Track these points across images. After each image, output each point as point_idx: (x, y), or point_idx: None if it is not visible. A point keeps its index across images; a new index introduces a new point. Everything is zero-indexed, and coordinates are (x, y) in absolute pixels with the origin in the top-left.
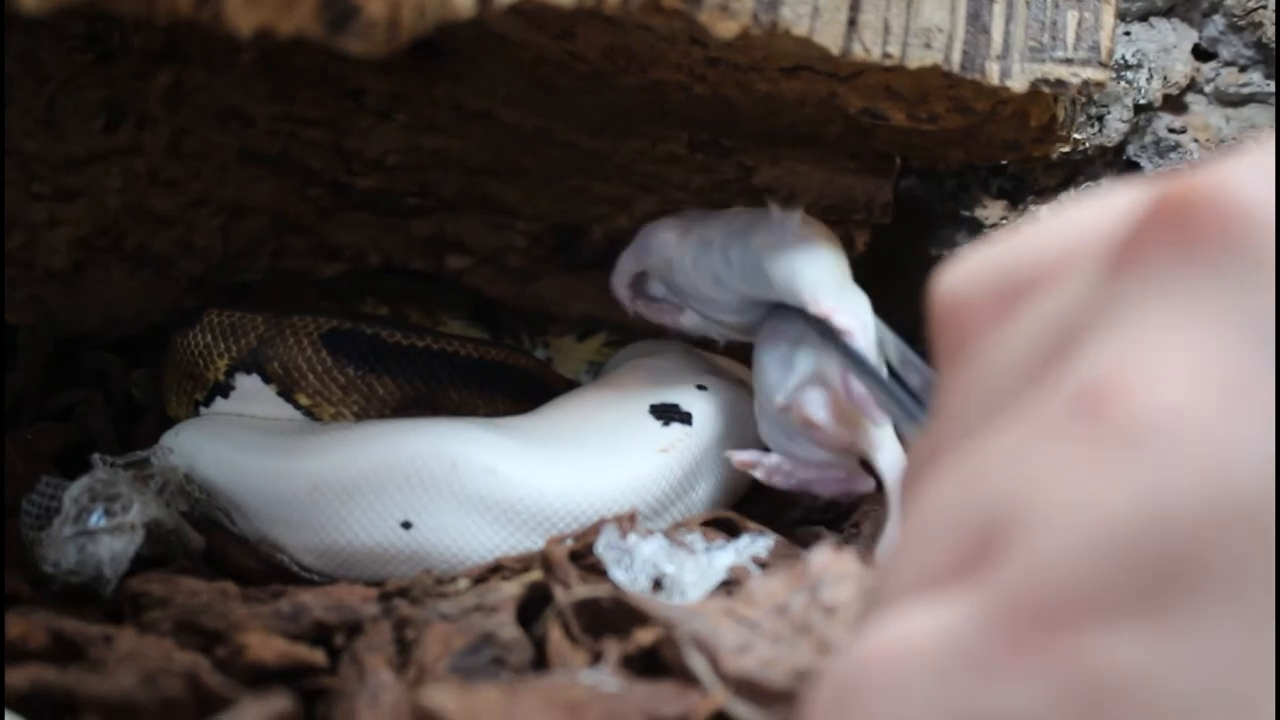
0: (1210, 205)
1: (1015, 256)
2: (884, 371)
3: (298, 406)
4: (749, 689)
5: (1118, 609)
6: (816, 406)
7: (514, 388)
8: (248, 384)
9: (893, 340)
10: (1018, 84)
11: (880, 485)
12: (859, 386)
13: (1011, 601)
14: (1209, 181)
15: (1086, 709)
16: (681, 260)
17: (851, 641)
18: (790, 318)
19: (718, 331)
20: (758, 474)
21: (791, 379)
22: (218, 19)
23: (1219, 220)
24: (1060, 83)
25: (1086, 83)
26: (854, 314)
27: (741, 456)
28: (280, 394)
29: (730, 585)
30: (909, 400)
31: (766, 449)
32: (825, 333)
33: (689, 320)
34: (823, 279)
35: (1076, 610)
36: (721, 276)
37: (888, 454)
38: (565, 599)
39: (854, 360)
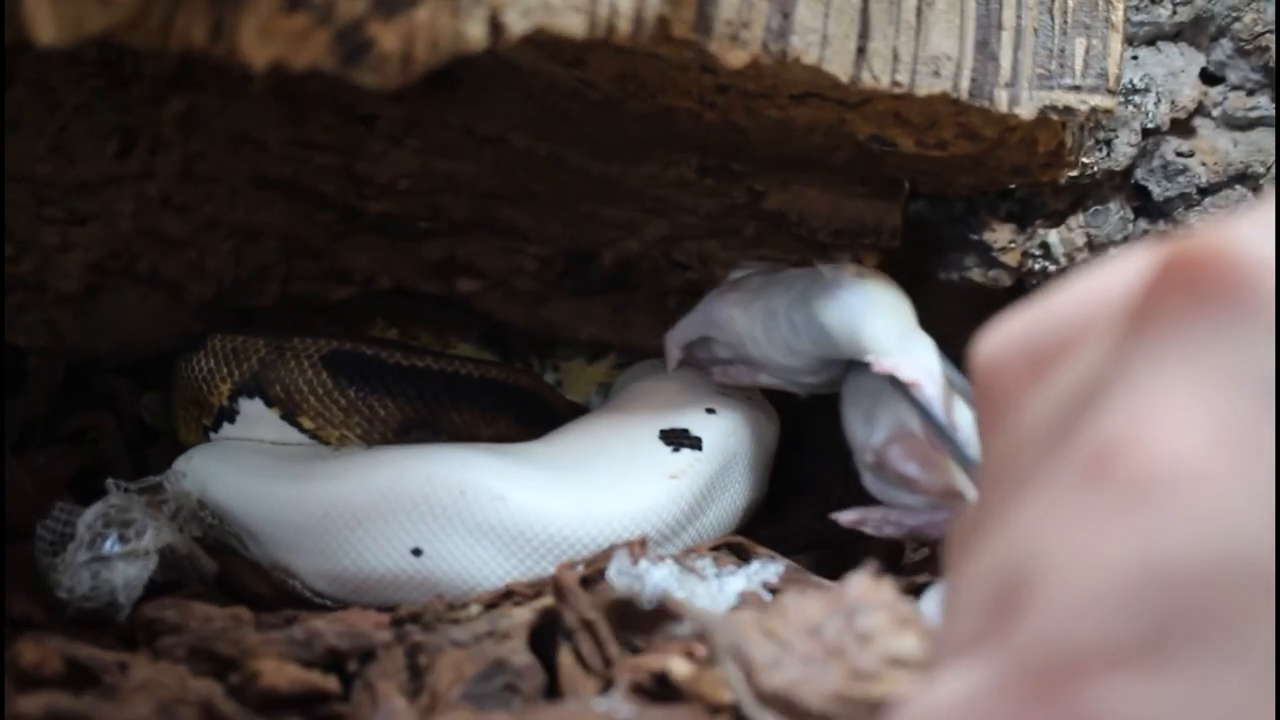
0: (1214, 265)
1: (1044, 322)
2: (960, 417)
3: (302, 430)
4: (783, 706)
5: (1122, 660)
6: (902, 460)
7: (517, 408)
8: (251, 408)
9: (960, 379)
10: (1026, 111)
11: None
12: (933, 433)
13: (1022, 660)
14: (1213, 241)
15: None
16: (751, 333)
17: (911, 697)
18: (867, 372)
19: (799, 389)
20: (868, 529)
21: (876, 435)
22: (232, 52)
23: (1222, 280)
24: (1068, 110)
25: (1094, 110)
26: (918, 364)
27: (848, 516)
28: (283, 417)
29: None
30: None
31: (872, 499)
32: (897, 385)
33: (765, 379)
34: (882, 333)
35: (1082, 664)
36: (792, 344)
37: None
38: (598, 599)
39: (921, 411)
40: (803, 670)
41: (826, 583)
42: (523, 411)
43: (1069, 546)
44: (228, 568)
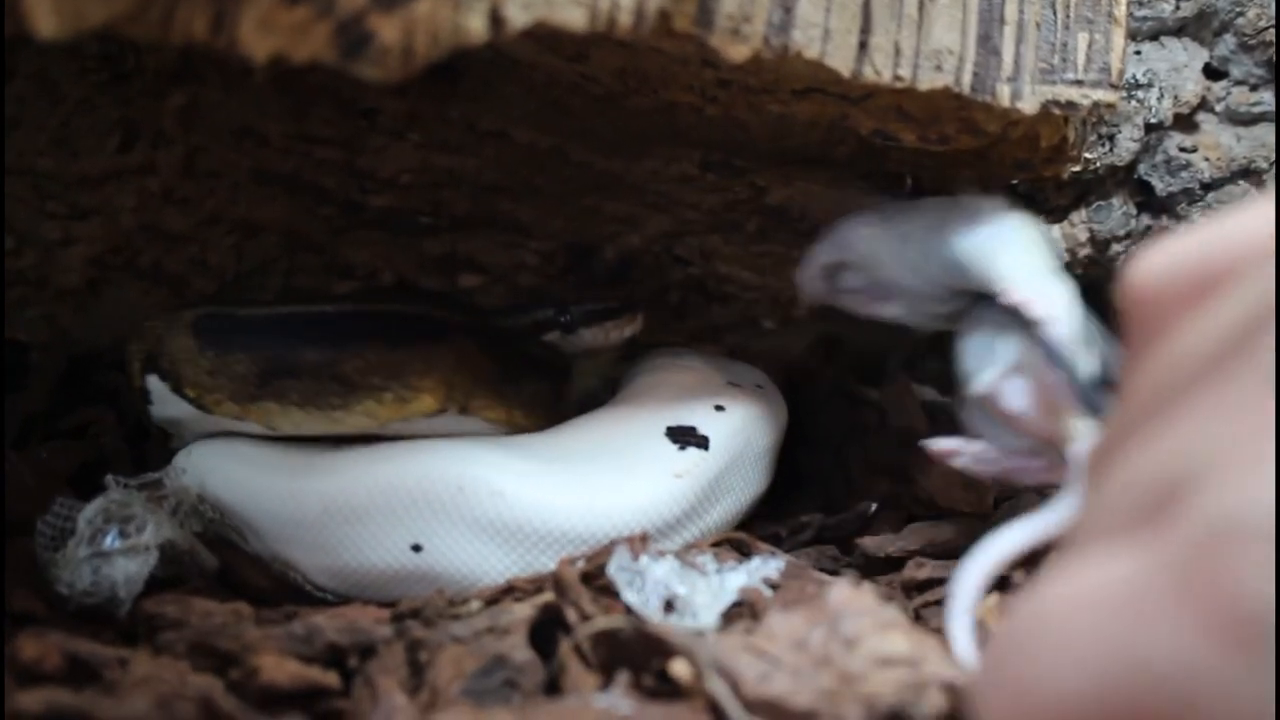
0: None
1: (1206, 249)
2: (1088, 362)
3: (188, 400)
4: (772, 711)
5: None
6: (1015, 396)
7: (388, 335)
8: (155, 385)
9: (1098, 331)
10: (1028, 105)
11: None
12: (1056, 375)
13: (1181, 553)
14: None
15: (1236, 645)
16: (880, 255)
17: (1034, 586)
18: (994, 305)
19: (924, 319)
20: (959, 461)
21: (990, 368)
22: (233, 45)
23: None
24: (1071, 104)
25: (1097, 104)
26: (1052, 302)
27: (942, 445)
28: (173, 390)
29: (742, 606)
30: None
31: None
32: (1024, 321)
33: (892, 309)
34: (1019, 267)
35: (1241, 560)
36: (921, 270)
37: (1082, 445)
38: (584, 631)
39: (1049, 350)
40: (793, 681)
41: (827, 578)
42: (399, 338)
43: (1240, 453)
44: (228, 562)
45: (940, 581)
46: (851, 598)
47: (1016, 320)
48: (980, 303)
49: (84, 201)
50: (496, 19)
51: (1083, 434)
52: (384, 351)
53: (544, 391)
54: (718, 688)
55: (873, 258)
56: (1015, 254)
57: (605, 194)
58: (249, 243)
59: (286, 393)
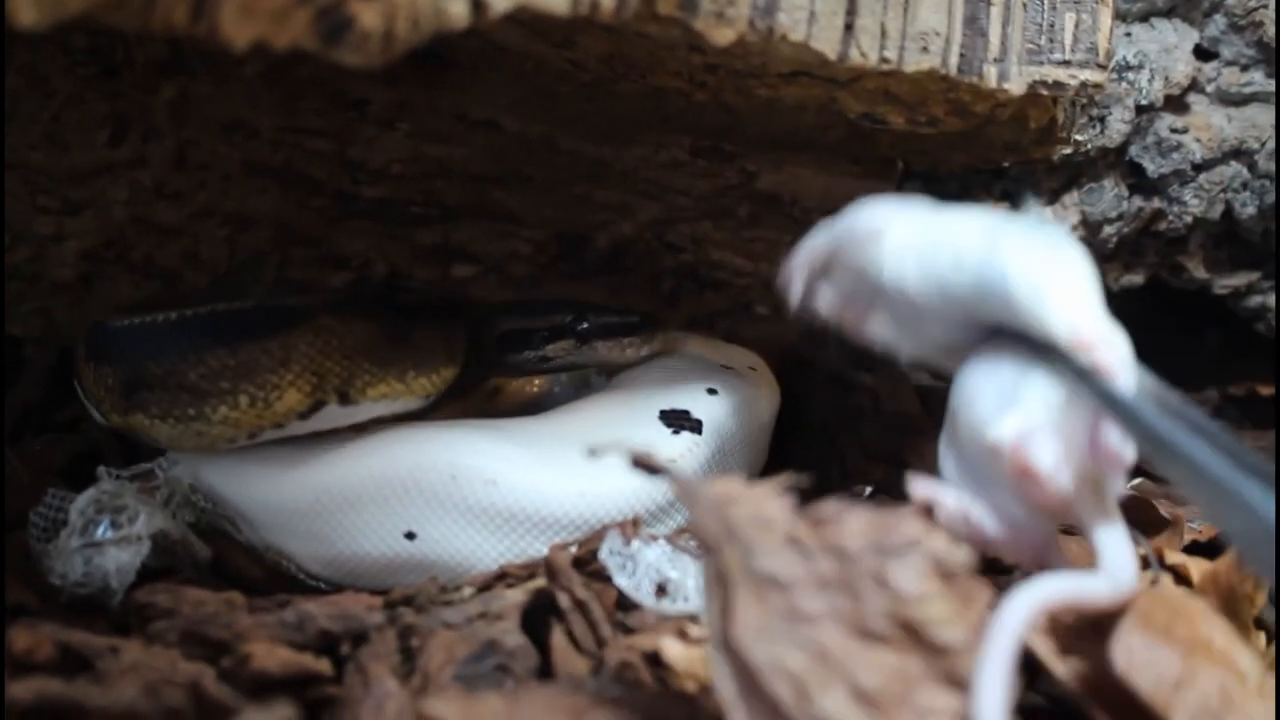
0: None
1: None
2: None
3: (93, 407)
4: (739, 663)
5: None
6: (1044, 453)
7: (228, 335)
8: (79, 390)
9: (1151, 383)
10: (1015, 86)
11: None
12: (1113, 439)
13: None
14: None
15: None
16: (899, 256)
17: None
18: (1018, 343)
19: (909, 348)
20: (940, 515)
21: (1012, 417)
22: (213, 32)
23: None
24: (1058, 85)
25: (1085, 84)
26: (1117, 351)
27: (924, 490)
28: (85, 397)
29: None
30: (1210, 456)
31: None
32: (1076, 370)
33: (875, 328)
34: (1081, 305)
35: None
36: (948, 284)
37: (1116, 542)
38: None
39: (1119, 408)
40: (802, 600)
41: None
42: (236, 333)
43: None
44: (221, 552)
45: None
46: (921, 531)
47: (1050, 364)
48: (996, 337)
49: (75, 195)
50: (477, 4)
51: (1113, 524)
52: (225, 354)
53: (434, 337)
54: (712, 615)
55: (887, 256)
56: (1076, 290)
57: (596, 182)
58: (241, 235)
59: (147, 405)
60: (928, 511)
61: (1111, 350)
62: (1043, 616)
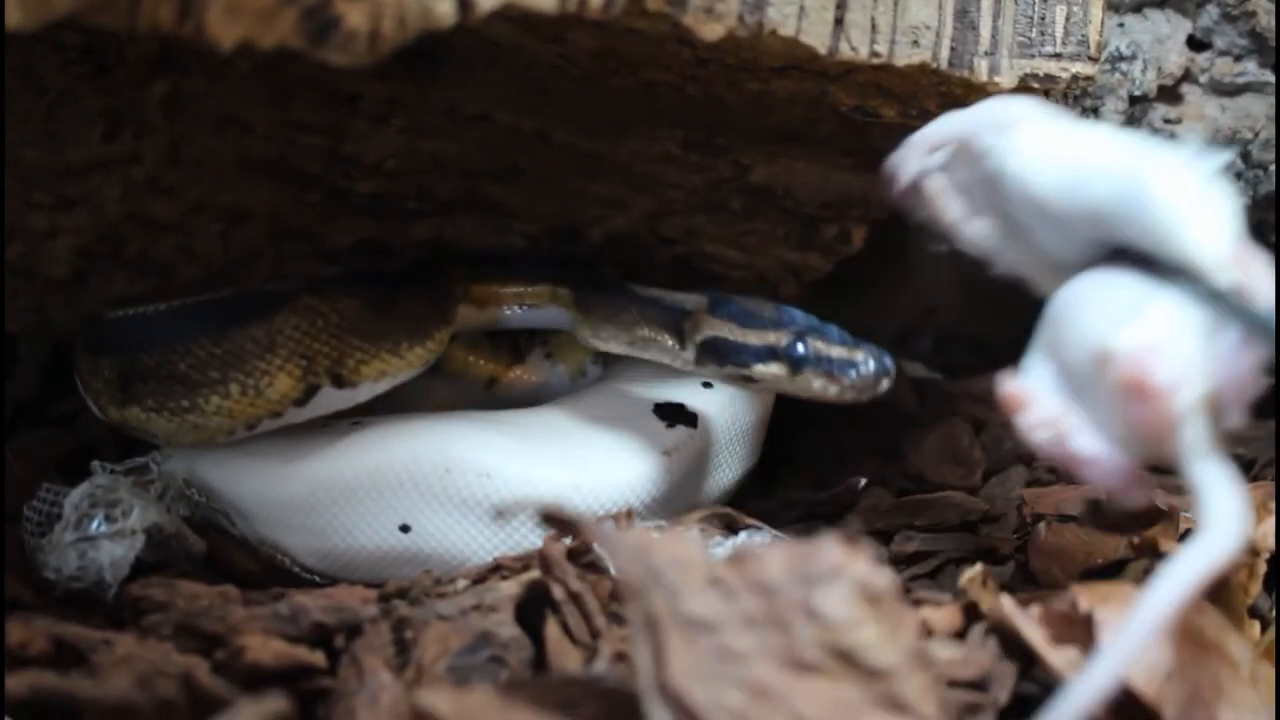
0: None
1: None
2: None
3: (91, 401)
4: (676, 704)
5: None
6: (1164, 366)
7: (212, 324)
8: (79, 382)
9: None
10: (1006, 80)
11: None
12: (1247, 365)
13: None
14: None
15: None
16: (1033, 150)
17: None
18: (1139, 267)
19: (1009, 258)
20: (1025, 417)
21: (1134, 327)
22: (199, 32)
23: None
24: (1050, 78)
25: (1075, 77)
26: (1265, 274)
27: (1015, 387)
28: (84, 390)
29: None
30: None
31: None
32: (1213, 292)
33: (975, 229)
34: (1228, 230)
35: None
36: (1082, 189)
37: (1221, 484)
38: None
39: (1261, 334)
40: (732, 639)
41: None
42: (221, 322)
43: None
44: (216, 546)
45: (928, 555)
46: (843, 558)
47: (1182, 286)
48: (1116, 258)
49: (69, 192)
50: (464, 2)
51: (1215, 472)
52: (209, 342)
53: (421, 308)
54: (641, 657)
55: (1018, 154)
56: (1223, 217)
57: (589, 175)
58: (236, 230)
59: (143, 398)
60: (1012, 407)
61: (1260, 271)
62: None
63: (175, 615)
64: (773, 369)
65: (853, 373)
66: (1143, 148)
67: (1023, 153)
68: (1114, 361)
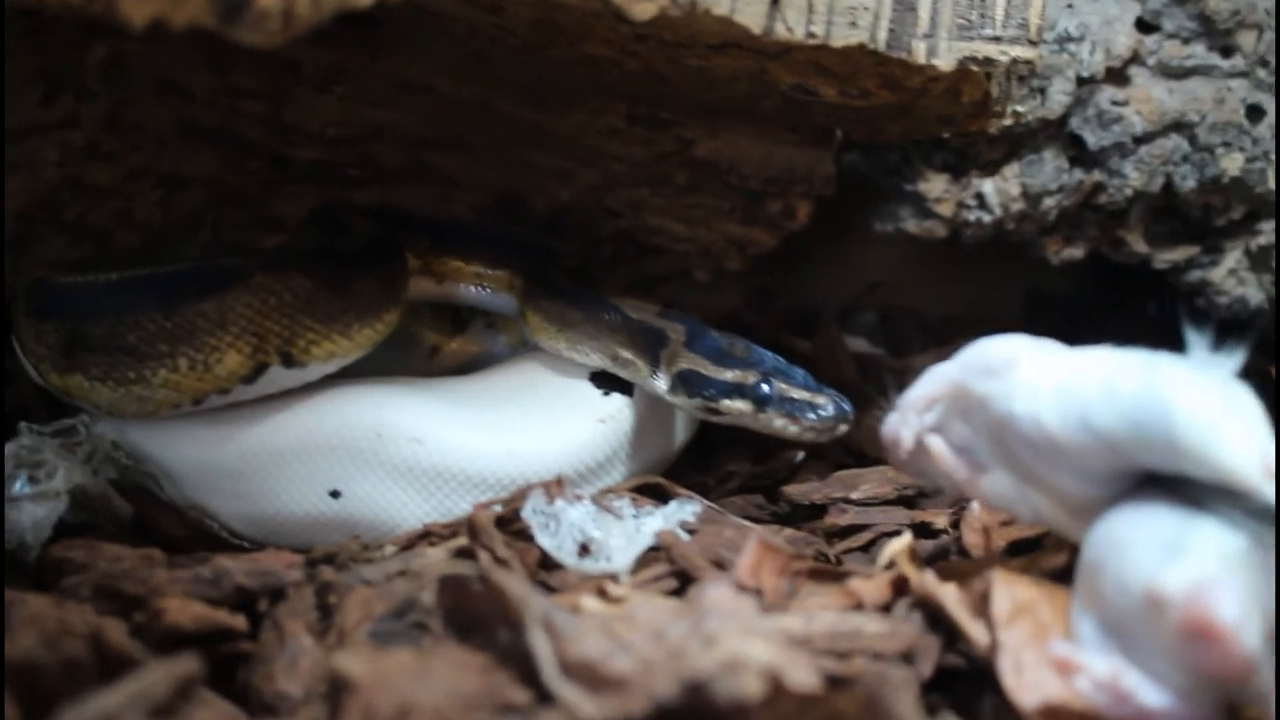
0: None
1: None
2: None
3: (31, 366)
4: (587, 673)
5: None
6: (1228, 606)
7: (165, 297)
8: (15, 345)
9: None
10: (944, 62)
11: None
12: None
13: None
14: None
15: None
16: (1035, 389)
17: None
18: (1172, 491)
19: (1031, 505)
20: (1080, 684)
21: (1182, 562)
22: (109, 10)
23: None
24: (989, 61)
25: (1015, 60)
26: None
27: (1062, 652)
28: (22, 353)
29: (659, 550)
30: None
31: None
32: (1263, 510)
33: (992, 484)
34: (1264, 441)
35: None
36: (1095, 418)
37: None
38: (429, 573)
39: None
40: (633, 665)
41: (746, 524)
42: (174, 296)
43: None
44: (144, 510)
45: (861, 528)
46: (725, 599)
47: (1224, 509)
48: (1146, 487)
49: (6, 156)
50: None
51: None
52: (160, 316)
53: (374, 282)
54: (538, 644)
55: (1019, 395)
56: (1255, 427)
57: (534, 146)
58: (176, 196)
59: (87, 366)
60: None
61: None
62: None
63: (95, 577)
64: (738, 405)
65: (812, 415)
66: (1150, 362)
67: (1028, 391)
68: (1168, 605)
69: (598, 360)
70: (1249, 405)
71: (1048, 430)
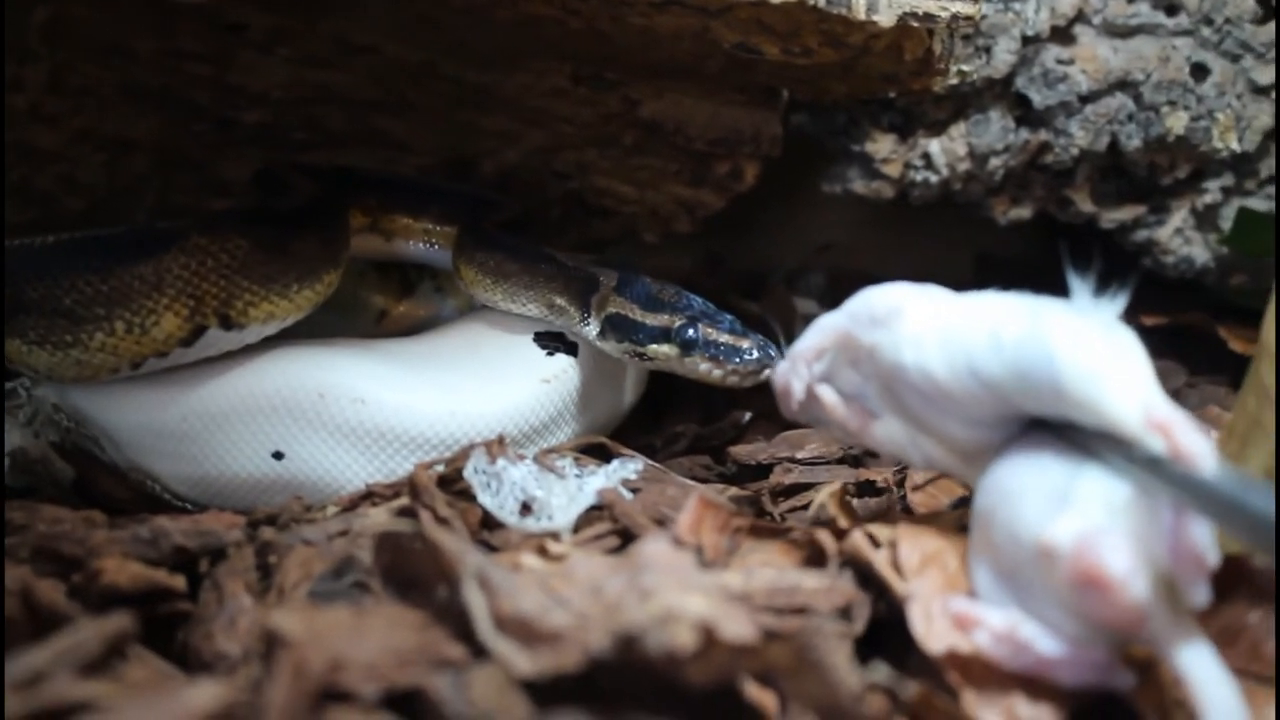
0: None
1: None
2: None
3: None
4: (522, 629)
5: None
6: (1116, 556)
7: (98, 260)
8: None
9: (1228, 470)
10: (885, 18)
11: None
12: (1199, 538)
13: None
14: None
15: None
16: (922, 335)
17: None
18: (1059, 437)
19: (924, 451)
20: (978, 638)
21: (1069, 513)
22: None
23: None
24: (929, 16)
25: (956, 17)
26: (1194, 436)
27: (961, 608)
28: None
29: (601, 509)
30: None
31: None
32: (1148, 459)
33: (884, 430)
34: (1148, 389)
35: None
36: (981, 366)
37: (1206, 666)
38: (365, 528)
39: (1209, 495)
40: (569, 619)
41: (689, 483)
42: (107, 258)
43: None
44: (86, 473)
45: (805, 487)
46: (662, 554)
47: (1109, 457)
48: (1032, 432)
49: None
50: None
51: (1192, 637)
52: (96, 279)
53: (313, 243)
54: (473, 599)
55: (907, 343)
56: (1139, 374)
57: (480, 109)
58: (121, 160)
59: (24, 330)
60: (965, 629)
61: (1190, 432)
62: None
63: (33, 538)
64: (664, 349)
65: (736, 359)
66: (1034, 309)
67: (915, 341)
68: (1058, 556)
69: (535, 310)
70: (1133, 352)
71: (935, 379)
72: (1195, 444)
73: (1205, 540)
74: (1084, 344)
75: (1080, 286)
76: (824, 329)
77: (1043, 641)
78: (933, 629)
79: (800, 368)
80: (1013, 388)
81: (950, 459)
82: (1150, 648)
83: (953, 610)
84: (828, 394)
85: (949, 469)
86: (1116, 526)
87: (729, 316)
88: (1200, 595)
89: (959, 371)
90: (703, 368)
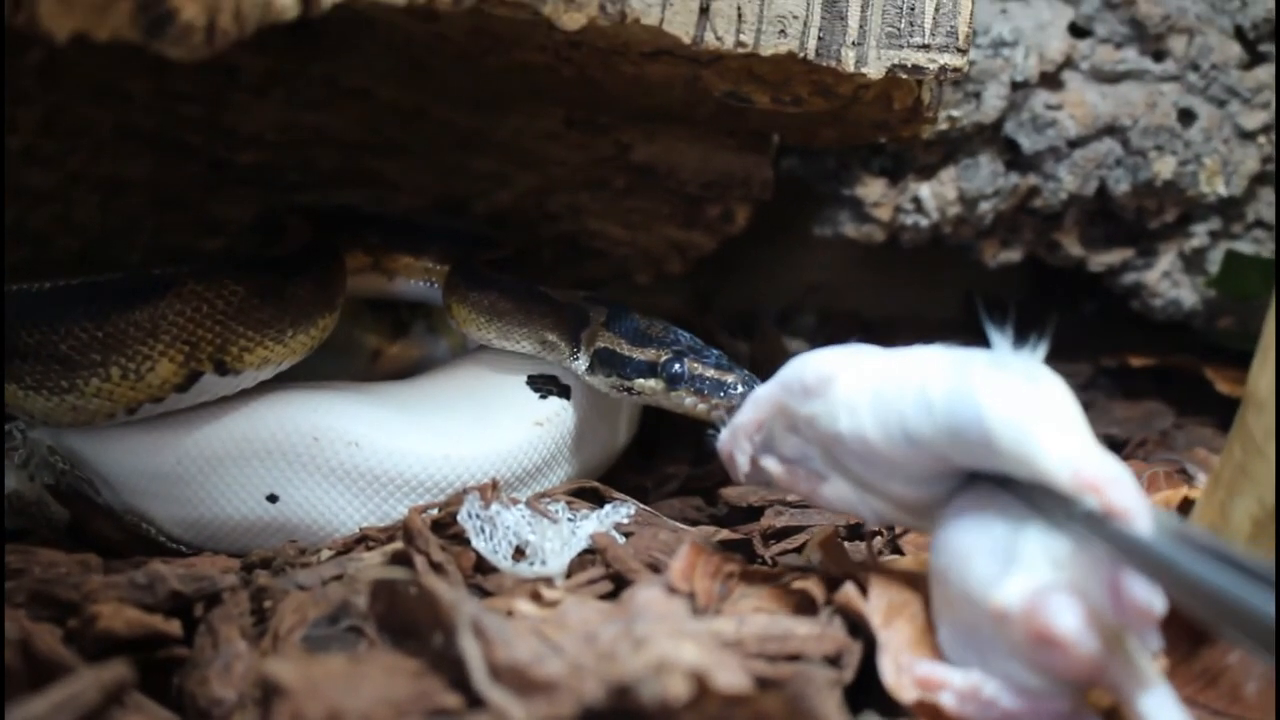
0: None
1: None
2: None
3: None
4: (516, 677)
5: None
6: (1066, 615)
7: (95, 307)
8: None
9: (1168, 518)
10: (874, 70)
11: None
12: (1140, 591)
13: None
14: None
15: None
16: (854, 406)
17: None
18: (1000, 491)
19: (873, 508)
20: (945, 699)
21: (1016, 574)
22: (32, 24)
23: None
24: (917, 69)
25: (944, 69)
26: (1126, 488)
27: (924, 671)
28: None
29: (594, 553)
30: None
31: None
32: (1082, 515)
33: (833, 491)
34: (1069, 445)
35: None
36: (914, 429)
37: (1158, 700)
38: (362, 577)
39: (1142, 554)
40: (563, 668)
41: (682, 527)
42: (104, 305)
43: None
44: (80, 515)
45: (797, 529)
46: (657, 601)
47: (1047, 512)
48: (973, 486)
49: None
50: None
51: (1150, 681)
52: (92, 325)
53: (309, 288)
54: (468, 649)
55: (840, 408)
56: (1067, 425)
57: (472, 151)
58: (114, 200)
59: (21, 376)
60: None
61: (1122, 488)
62: None
63: (29, 582)
64: (650, 383)
65: (720, 394)
66: (958, 364)
67: (848, 409)
68: (1009, 620)
69: (528, 347)
70: (1062, 401)
71: (872, 445)
72: (1127, 500)
73: (1146, 591)
74: (1011, 398)
75: (999, 339)
76: (760, 402)
77: (1006, 698)
78: (902, 680)
79: (742, 441)
80: (947, 446)
81: (900, 514)
82: (1111, 695)
83: (916, 674)
84: (773, 465)
85: (902, 523)
86: (1063, 581)
87: (715, 351)
88: (1152, 642)
89: (893, 435)
90: (688, 402)
